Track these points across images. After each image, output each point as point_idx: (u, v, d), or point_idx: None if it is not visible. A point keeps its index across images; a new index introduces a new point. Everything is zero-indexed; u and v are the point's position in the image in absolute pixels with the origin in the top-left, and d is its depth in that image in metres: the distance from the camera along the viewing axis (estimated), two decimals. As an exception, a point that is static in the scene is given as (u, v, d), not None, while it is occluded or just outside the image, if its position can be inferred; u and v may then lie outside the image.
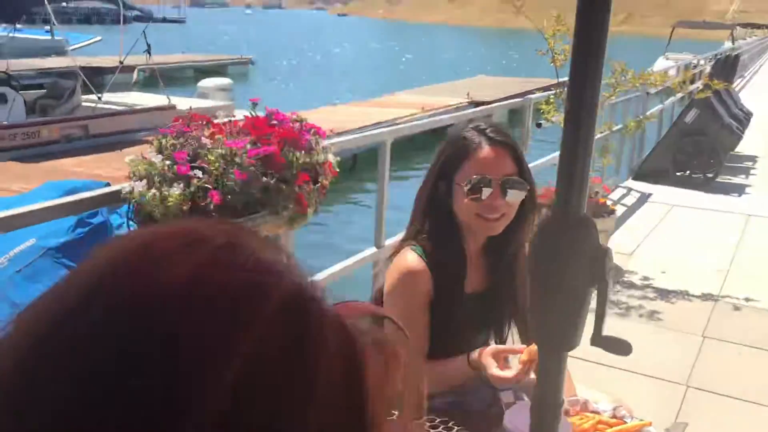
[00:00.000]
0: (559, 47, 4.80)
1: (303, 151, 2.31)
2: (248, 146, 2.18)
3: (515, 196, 1.61)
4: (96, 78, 12.93)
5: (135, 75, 16.81)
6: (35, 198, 6.23)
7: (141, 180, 1.99)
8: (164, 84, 12.56)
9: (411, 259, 1.64)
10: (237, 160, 2.11)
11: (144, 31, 11.55)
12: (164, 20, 65.67)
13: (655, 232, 6.08)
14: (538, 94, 5.38)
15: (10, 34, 12.04)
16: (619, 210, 6.24)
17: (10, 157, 8.93)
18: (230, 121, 2.30)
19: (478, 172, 1.60)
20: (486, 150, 1.62)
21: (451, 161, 1.65)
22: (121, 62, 12.05)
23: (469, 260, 1.67)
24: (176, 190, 1.95)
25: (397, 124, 9.84)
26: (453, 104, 15.28)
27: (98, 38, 30.73)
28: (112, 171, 8.58)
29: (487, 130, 1.64)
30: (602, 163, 6.10)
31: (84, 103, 11.34)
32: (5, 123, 9.15)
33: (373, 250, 3.46)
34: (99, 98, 11.53)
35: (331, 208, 8.45)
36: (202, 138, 2.10)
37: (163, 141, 2.12)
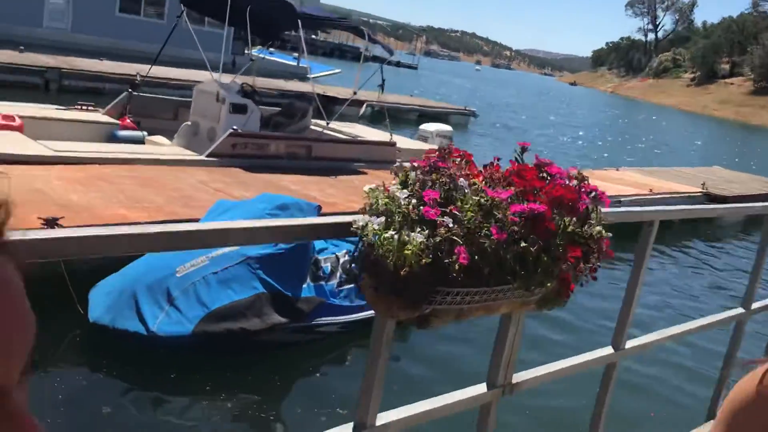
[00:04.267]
0: None
1: (575, 218, 1.79)
2: (511, 199, 1.71)
3: None
4: (327, 106, 13.43)
5: (362, 109, 17.44)
6: (250, 206, 6.30)
7: (379, 216, 1.58)
8: (390, 121, 12.73)
9: None
10: (497, 213, 1.64)
11: (381, 67, 11.75)
12: (399, 64, 69.54)
13: None
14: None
15: (263, 56, 12.84)
16: None
17: (239, 164, 9.34)
18: (492, 164, 1.84)
19: None
20: None
21: None
22: (354, 93, 12.38)
23: None
24: (419, 237, 1.51)
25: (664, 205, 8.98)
26: (684, 192, 13.94)
27: (338, 70, 32.81)
28: (326, 195, 8.64)
29: None
30: None
31: (312, 127, 11.75)
32: (240, 131, 9.60)
33: (610, 351, 2.82)
34: (327, 124, 11.89)
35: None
36: (460, 179, 1.65)
37: (412, 174, 1.71)
